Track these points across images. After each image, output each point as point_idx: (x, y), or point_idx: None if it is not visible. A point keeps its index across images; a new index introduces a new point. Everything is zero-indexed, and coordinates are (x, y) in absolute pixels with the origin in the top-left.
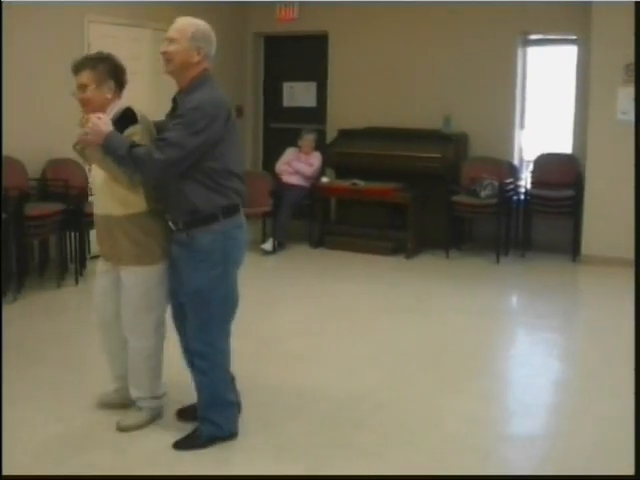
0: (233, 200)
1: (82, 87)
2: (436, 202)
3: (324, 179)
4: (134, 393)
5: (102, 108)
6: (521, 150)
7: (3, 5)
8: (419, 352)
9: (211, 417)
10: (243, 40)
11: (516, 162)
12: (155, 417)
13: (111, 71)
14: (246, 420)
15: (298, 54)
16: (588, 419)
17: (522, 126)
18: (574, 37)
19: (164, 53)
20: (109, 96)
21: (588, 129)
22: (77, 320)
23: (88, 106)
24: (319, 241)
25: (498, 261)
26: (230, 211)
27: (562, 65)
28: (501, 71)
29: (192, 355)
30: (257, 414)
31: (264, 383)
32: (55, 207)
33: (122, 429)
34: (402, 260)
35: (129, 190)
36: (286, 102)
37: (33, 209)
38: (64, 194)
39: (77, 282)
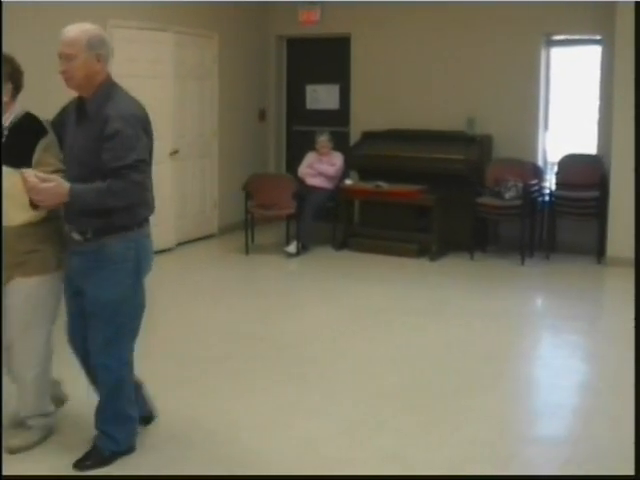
0: (149, 211)
1: None
2: (460, 204)
3: (347, 181)
4: (22, 412)
5: None
6: (545, 151)
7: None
8: (443, 354)
9: (111, 433)
10: (266, 43)
11: (540, 163)
12: (46, 436)
13: (10, 74)
14: (269, 421)
15: (321, 56)
16: (612, 421)
17: (546, 127)
18: (598, 37)
19: (63, 72)
20: (6, 99)
21: (612, 129)
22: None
23: None
24: (343, 243)
25: (523, 263)
26: (145, 221)
27: (586, 66)
28: (525, 72)
29: (97, 369)
30: (276, 415)
31: (288, 384)
32: None
33: (11, 451)
34: (426, 262)
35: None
36: (309, 105)
37: None
38: None
39: None
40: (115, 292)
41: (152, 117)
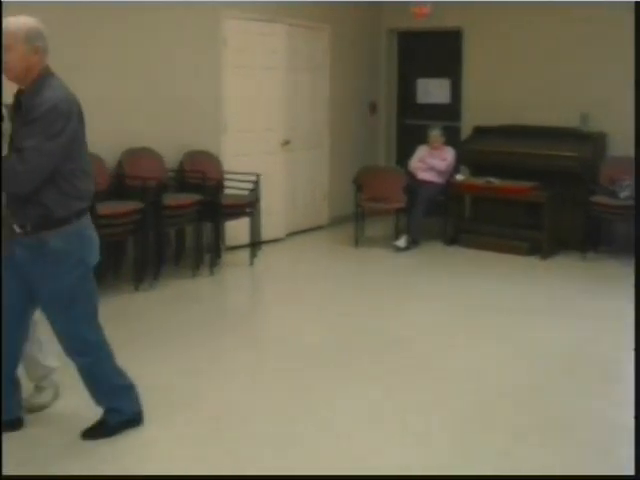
0: (87, 202)
1: None
2: (573, 202)
3: (458, 176)
4: (32, 380)
5: None
6: None
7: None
8: (554, 354)
9: (113, 406)
10: (377, 36)
11: None
12: (57, 393)
13: None
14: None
15: (432, 50)
16: None
17: None
18: None
19: (3, 63)
20: None
21: None
22: (210, 310)
23: None
24: (453, 239)
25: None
26: (83, 213)
27: None
28: None
29: (72, 356)
30: (383, 409)
31: (395, 380)
32: (192, 198)
33: (32, 410)
34: (537, 261)
35: None
36: (420, 98)
37: (171, 199)
38: (201, 185)
39: (212, 272)
40: (63, 284)
41: (265, 107)
